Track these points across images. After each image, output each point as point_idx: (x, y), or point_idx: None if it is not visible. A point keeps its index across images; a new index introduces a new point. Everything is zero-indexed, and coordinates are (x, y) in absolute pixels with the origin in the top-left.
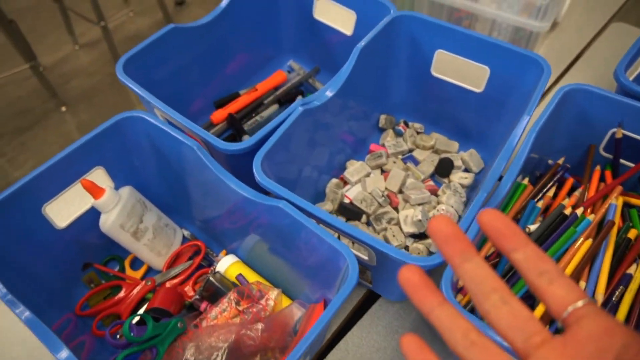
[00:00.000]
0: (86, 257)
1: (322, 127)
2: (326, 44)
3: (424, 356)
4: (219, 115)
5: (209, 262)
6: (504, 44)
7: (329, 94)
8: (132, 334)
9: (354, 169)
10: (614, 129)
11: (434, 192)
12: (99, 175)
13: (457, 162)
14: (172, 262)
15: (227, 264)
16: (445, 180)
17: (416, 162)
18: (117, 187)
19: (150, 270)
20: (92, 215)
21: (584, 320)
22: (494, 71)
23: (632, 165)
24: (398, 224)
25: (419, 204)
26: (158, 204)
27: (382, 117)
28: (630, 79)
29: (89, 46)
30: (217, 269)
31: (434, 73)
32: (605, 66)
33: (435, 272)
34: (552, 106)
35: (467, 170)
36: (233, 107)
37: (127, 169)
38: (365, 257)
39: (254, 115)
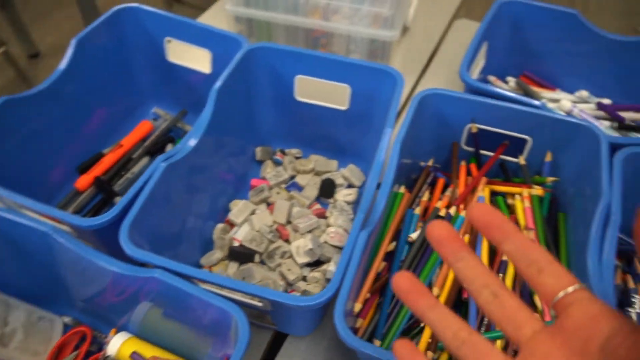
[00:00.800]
0: None
1: (195, 172)
2: (188, 85)
3: (415, 358)
4: (84, 181)
5: (99, 346)
6: (358, 61)
7: (192, 143)
8: None
9: (238, 209)
10: (469, 125)
11: (321, 215)
12: None
13: (339, 180)
14: (56, 357)
15: (118, 345)
16: (331, 200)
17: (299, 188)
18: None
19: None
20: None
21: (572, 307)
22: (354, 88)
23: (492, 154)
24: (292, 256)
25: (309, 231)
26: (26, 297)
27: (258, 150)
28: (475, 73)
29: None
30: (107, 353)
31: (298, 98)
32: (456, 64)
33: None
34: (411, 113)
35: (350, 186)
36: (99, 169)
37: None
38: (260, 304)
39: (123, 173)
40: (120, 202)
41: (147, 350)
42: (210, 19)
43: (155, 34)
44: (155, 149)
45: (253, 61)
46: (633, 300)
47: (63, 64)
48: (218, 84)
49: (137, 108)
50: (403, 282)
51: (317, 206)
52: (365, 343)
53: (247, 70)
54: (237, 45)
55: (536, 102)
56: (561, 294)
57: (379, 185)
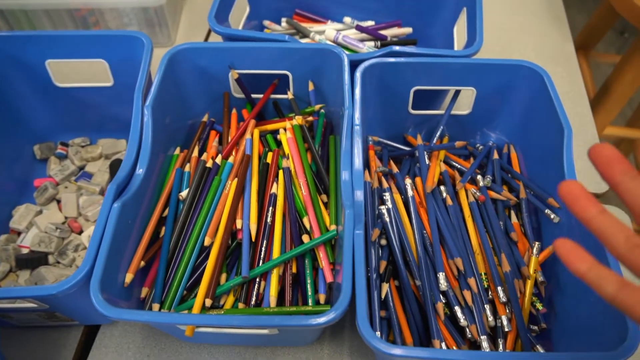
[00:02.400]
0: None
1: None
2: None
3: (576, 252)
4: None
5: None
6: (106, 32)
7: None
8: None
9: (19, 214)
10: (230, 72)
11: None
12: None
13: None
14: None
15: None
16: None
17: (90, 177)
18: None
19: None
20: None
21: None
22: (111, 61)
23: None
24: (85, 247)
25: None
26: None
27: (36, 148)
28: (242, 20)
29: None
30: None
31: (57, 84)
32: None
33: None
34: (160, 74)
35: None
36: None
37: None
38: (33, 305)
39: None
40: None
41: None
42: None
43: None
44: None
45: None
46: (385, 198)
47: None
48: None
49: None
50: (574, 186)
51: None
52: (116, 309)
53: None
54: None
55: (283, 36)
56: None
57: None
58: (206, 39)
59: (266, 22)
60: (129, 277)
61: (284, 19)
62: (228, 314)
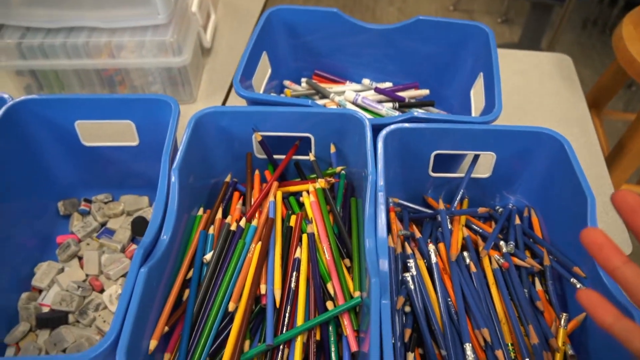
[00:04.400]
0: None
1: None
2: None
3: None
4: None
5: None
6: (133, 95)
7: None
8: None
9: (41, 272)
10: (254, 134)
11: None
12: None
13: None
14: None
15: None
16: None
17: (112, 233)
18: None
19: None
20: None
21: None
22: (138, 122)
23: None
24: (106, 307)
25: (122, 276)
26: None
27: (60, 204)
28: (264, 81)
29: None
30: None
31: (85, 143)
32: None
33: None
34: (187, 137)
35: None
36: None
37: None
38: None
39: None
40: None
41: None
42: None
43: None
44: None
45: (21, 116)
46: (409, 264)
47: None
48: None
49: None
50: (596, 235)
51: (133, 247)
52: None
53: (16, 126)
54: (1, 103)
55: (306, 101)
56: None
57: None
58: (226, 97)
59: (286, 82)
60: (152, 344)
61: (303, 79)
62: None
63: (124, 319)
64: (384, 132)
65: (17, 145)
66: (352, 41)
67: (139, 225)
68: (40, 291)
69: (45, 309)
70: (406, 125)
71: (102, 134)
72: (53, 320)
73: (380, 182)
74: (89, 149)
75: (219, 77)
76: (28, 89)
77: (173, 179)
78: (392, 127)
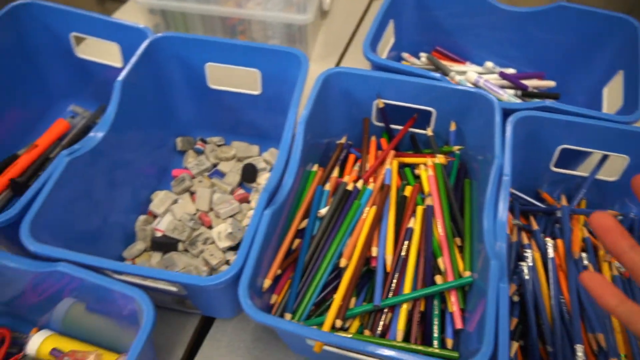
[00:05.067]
0: None
1: (113, 166)
2: (102, 80)
3: (606, 286)
4: None
5: (19, 346)
6: (264, 45)
7: (99, 135)
8: None
9: (159, 199)
10: (376, 101)
11: (245, 200)
12: None
13: (261, 165)
14: None
15: (38, 343)
16: (254, 185)
17: (222, 175)
18: None
19: None
20: None
21: None
22: (265, 72)
23: (402, 127)
24: (214, 242)
25: (230, 216)
26: None
27: (178, 140)
28: (385, 51)
29: None
30: (26, 353)
31: (211, 85)
32: None
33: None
34: (315, 93)
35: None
36: (13, 171)
37: None
38: (175, 289)
39: (40, 173)
40: (21, 199)
41: (68, 345)
42: (126, 13)
43: (60, 30)
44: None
45: (159, 51)
46: (526, 254)
47: None
48: (122, 76)
49: (51, 107)
50: (605, 219)
51: (241, 191)
52: (265, 315)
53: (154, 61)
54: (143, 37)
55: (435, 75)
56: None
57: None
58: (339, 61)
59: (405, 55)
60: (267, 283)
61: (423, 54)
62: (360, 339)
63: (247, 255)
64: (514, 117)
65: (153, 79)
66: (480, 21)
67: (248, 172)
68: (155, 216)
69: (159, 234)
70: (538, 113)
71: (227, 79)
72: (166, 245)
73: (507, 167)
74: (213, 91)
75: (333, 41)
76: (156, 28)
77: (299, 130)
78: (523, 113)
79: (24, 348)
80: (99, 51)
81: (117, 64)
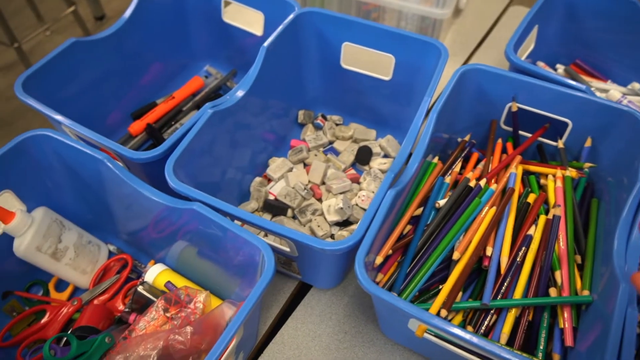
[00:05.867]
0: (6, 286)
1: (239, 127)
2: (240, 46)
3: None
4: (137, 126)
5: (138, 274)
6: (405, 32)
7: (240, 94)
8: (55, 355)
9: (276, 165)
10: (510, 104)
11: (355, 180)
12: (7, 199)
13: (376, 149)
14: (100, 279)
15: (155, 273)
16: (366, 167)
17: (337, 153)
18: (30, 209)
19: (77, 290)
20: (6, 240)
21: None
22: (399, 59)
23: (530, 135)
24: (322, 214)
25: (341, 193)
26: (78, 222)
27: (301, 113)
28: (523, 56)
29: (4, 70)
30: (145, 279)
31: (344, 65)
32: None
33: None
34: (450, 86)
35: (386, 156)
36: (151, 117)
37: (39, 190)
38: (287, 249)
39: (173, 123)
40: (167, 140)
41: (179, 281)
42: None
43: None
44: (204, 104)
45: (302, 25)
46: None
47: (127, 13)
48: (267, 42)
49: (190, 64)
50: None
51: (352, 171)
52: (381, 289)
53: (296, 34)
54: (289, 9)
55: (580, 85)
56: None
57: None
58: (466, 61)
59: (540, 64)
60: (379, 260)
61: (560, 66)
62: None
63: (367, 229)
64: None
65: (292, 50)
66: (630, 39)
67: (363, 154)
68: (269, 180)
69: (271, 197)
70: None
71: (360, 60)
72: (277, 208)
73: None
74: (344, 71)
75: (463, 40)
76: None
77: (430, 120)
78: None
79: (143, 275)
80: (243, 17)
81: (258, 32)
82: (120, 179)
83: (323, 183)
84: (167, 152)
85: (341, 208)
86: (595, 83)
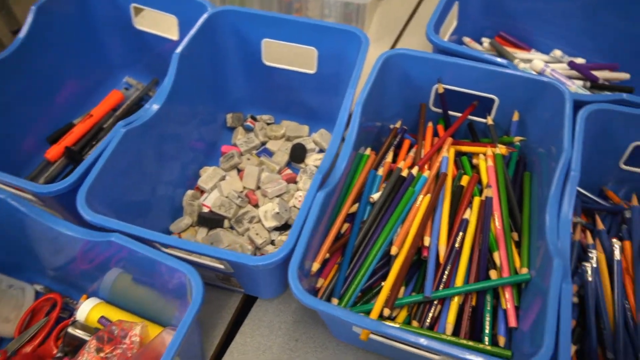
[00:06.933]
0: None
1: (164, 140)
2: (158, 52)
3: None
4: (54, 151)
5: (70, 311)
6: (324, 23)
7: (155, 107)
8: None
9: (207, 175)
10: (436, 85)
11: (292, 180)
12: None
13: (310, 145)
14: (28, 323)
15: (87, 310)
16: (302, 165)
17: (270, 154)
18: None
19: (2, 340)
20: None
21: None
22: (322, 51)
23: (460, 115)
24: (260, 221)
25: (277, 196)
26: None
27: (229, 116)
28: (447, 35)
29: None
30: (76, 318)
31: (266, 62)
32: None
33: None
34: (374, 74)
35: (321, 150)
36: (69, 139)
37: None
38: (222, 267)
39: (94, 143)
40: (78, 168)
41: (115, 314)
42: None
43: (120, 1)
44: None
45: (217, 25)
46: (590, 255)
47: (23, 32)
48: (180, 48)
49: (107, 78)
50: None
51: (288, 171)
52: (317, 300)
53: (212, 35)
54: (202, 10)
55: (502, 61)
56: None
57: None
58: (394, 44)
59: (466, 40)
60: (315, 267)
61: (485, 39)
62: (408, 330)
63: (298, 237)
64: (586, 110)
65: (209, 52)
66: (550, 6)
67: (297, 152)
68: (202, 192)
69: (206, 210)
70: (612, 107)
71: (283, 56)
72: (212, 221)
73: (575, 162)
74: (267, 68)
75: (388, 23)
76: (212, 2)
77: (355, 112)
78: (597, 106)
79: (74, 313)
80: (156, 23)
81: (174, 36)
82: (29, 217)
83: (258, 187)
84: (78, 181)
85: (278, 213)
86: (520, 54)
